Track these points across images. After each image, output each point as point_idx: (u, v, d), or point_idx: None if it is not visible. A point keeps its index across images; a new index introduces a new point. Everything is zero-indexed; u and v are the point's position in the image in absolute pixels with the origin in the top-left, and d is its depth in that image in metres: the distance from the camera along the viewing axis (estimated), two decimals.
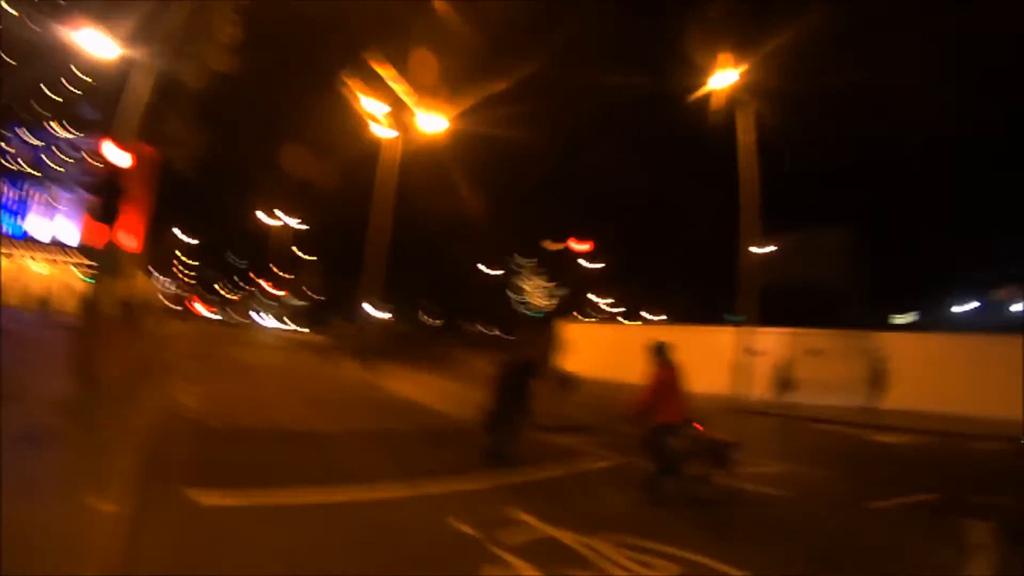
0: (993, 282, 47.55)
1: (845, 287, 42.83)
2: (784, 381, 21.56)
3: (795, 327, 24.88)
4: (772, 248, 31.84)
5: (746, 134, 22.54)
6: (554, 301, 74.37)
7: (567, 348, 33.26)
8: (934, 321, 45.07)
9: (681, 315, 54.67)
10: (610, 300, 74.54)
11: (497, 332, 70.81)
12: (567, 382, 17.74)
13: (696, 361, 24.68)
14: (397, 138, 28.31)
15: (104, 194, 11.96)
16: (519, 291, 76.76)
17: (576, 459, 10.99)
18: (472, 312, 73.24)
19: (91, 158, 40.47)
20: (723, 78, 21.57)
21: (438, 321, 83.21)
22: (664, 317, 64.45)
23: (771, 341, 23.94)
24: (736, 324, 24.96)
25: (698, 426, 9.28)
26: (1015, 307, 45.60)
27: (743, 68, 21.47)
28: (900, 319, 48.69)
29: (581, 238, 58.98)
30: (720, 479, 8.76)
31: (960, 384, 20.64)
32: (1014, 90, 31.75)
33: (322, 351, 35.82)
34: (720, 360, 23.03)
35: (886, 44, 31.80)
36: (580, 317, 69.88)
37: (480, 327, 72.04)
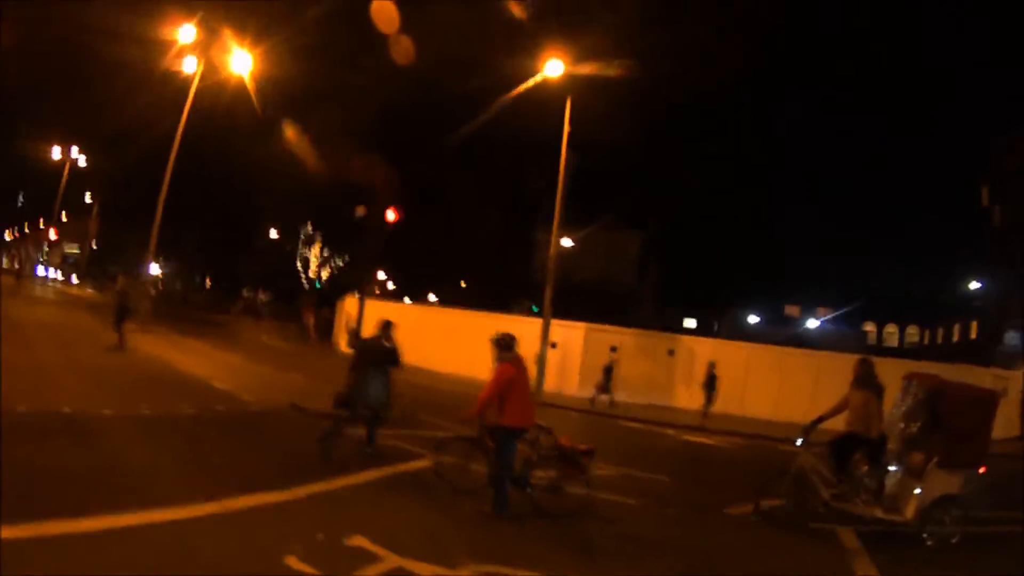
0: (784, 298, 52.18)
1: (635, 287, 45.04)
2: (603, 377, 21.26)
3: (594, 323, 24.98)
4: (568, 243, 32.32)
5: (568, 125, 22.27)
6: (329, 271, 70.89)
7: (349, 326, 31.65)
8: (725, 328, 48.25)
9: (452, 300, 54.52)
10: (385, 277, 71.98)
11: (269, 300, 66.90)
12: None
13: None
14: (197, 72, 25.12)
15: None
16: (302, 259, 72.49)
17: (394, 457, 9.85)
18: (249, 276, 67.85)
19: None
20: (551, 67, 21.12)
21: (208, 281, 77.18)
22: (435, 299, 63.74)
23: (576, 336, 23.98)
24: (535, 315, 24.70)
25: (550, 430, 8.58)
26: (808, 323, 49.95)
27: (569, 58, 21.12)
28: (688, 323, 51.87)
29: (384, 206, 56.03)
30: (571, 487, 8.03)
31: (761, 390, 22.16)
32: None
33: (97, 308, 31.65)
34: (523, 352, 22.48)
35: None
36: (358, 293, 67.19)
37: (260, 294, 67.19)
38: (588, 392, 21.68)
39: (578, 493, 7.97)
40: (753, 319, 52.56)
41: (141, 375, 14.77)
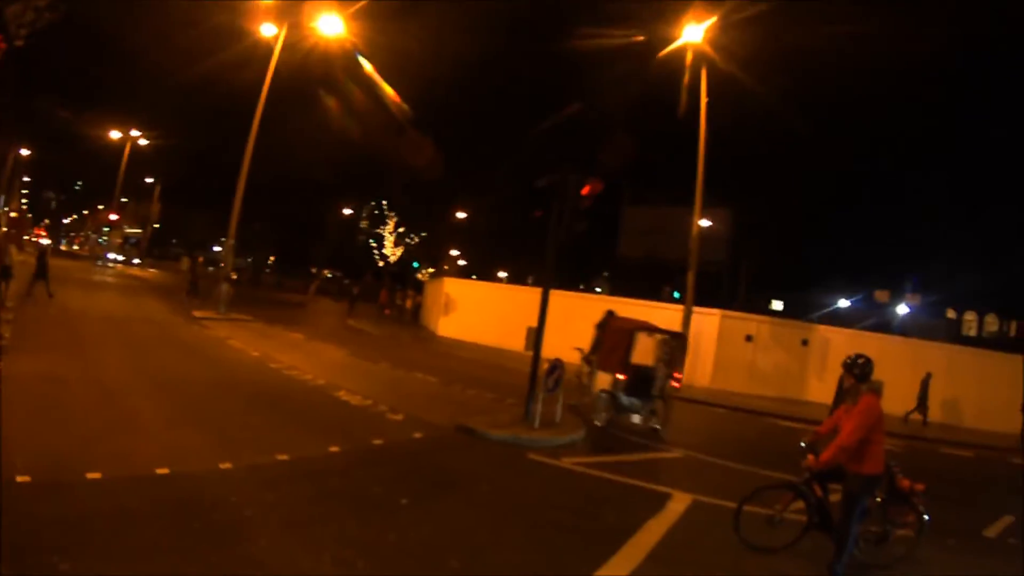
0: (871, 282, 50.02)
1: (724, 267, 42.71)
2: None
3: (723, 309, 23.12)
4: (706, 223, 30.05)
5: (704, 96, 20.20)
6: (399, 250, 69.11)
7: (449, 308, 30.13)
8: (814, 312, 46.42)
9: (524, 277, 52.86)
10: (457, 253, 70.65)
11: (337, 277, 65.71)
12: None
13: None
14: (277, 35, 23.20)
15: None
16: (376, 236, 70.61)
17: (639, 499, 8.24)
18: (319, 255, 66.15)
19: None
20: (691, 32, 19.15)
21: (271, 259, 76.38)
22: (504, 275, 62.29)
23: (710, 323, 22.07)
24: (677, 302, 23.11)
25: (896, 470, 6.93)
26: (898, 309, 47.69)
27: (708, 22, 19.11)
28: (775, 305, 50.05)
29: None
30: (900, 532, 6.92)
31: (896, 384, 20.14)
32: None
33: (168, 295, 29.75)
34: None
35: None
36: (430, 270, 66.15)
37: (327, 273, 65.82)
38: (722, 384, 20.87)
39: (903, 535, 6.92)
40: (843, 303, 50.46)
41: (247, 388, 11.75)
